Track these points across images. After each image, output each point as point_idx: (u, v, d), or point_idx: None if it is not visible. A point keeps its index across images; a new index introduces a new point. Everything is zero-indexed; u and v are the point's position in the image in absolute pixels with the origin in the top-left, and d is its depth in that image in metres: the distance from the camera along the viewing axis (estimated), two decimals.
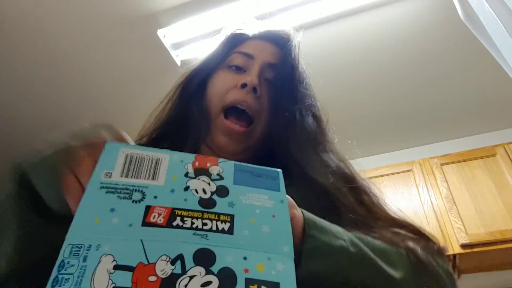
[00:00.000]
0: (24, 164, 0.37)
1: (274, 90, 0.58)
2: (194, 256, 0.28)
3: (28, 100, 2.08)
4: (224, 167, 0.35)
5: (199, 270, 0.27)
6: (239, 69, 0.58)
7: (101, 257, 0.27)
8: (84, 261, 0.27)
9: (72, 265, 0.27)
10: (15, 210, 0.36)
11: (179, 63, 1.87)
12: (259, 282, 0.28)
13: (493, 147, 2.09)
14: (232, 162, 0.35)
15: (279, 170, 0.36)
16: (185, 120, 0.59)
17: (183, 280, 0.26)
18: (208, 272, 0.27)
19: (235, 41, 0.63)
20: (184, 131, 0.59)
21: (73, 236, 0.28)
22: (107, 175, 0.31)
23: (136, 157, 0.33)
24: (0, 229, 0.37)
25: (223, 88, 0.57)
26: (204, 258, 0.28)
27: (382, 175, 2.22)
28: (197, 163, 0.34)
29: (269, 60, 0.59)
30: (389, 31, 1.80)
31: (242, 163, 0.36)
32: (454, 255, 1.80)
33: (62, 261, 0.27)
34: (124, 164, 0.32)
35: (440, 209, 1.96)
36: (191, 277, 0.27)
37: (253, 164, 0.37)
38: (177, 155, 0.34)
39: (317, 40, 1.83)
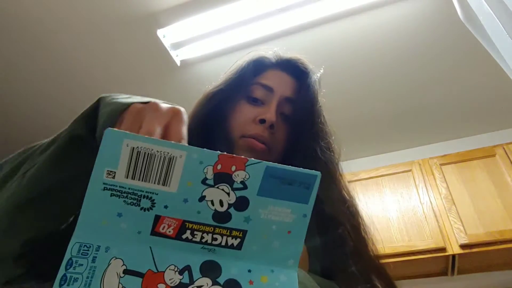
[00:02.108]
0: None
1: (290, 126, 0.61)
2: (201, 268, 0.29)
3: (28, 100, 2.08)
4: (251, 172, 0.30)
5: (206, 281, 0.28)
6: (258, 102, 0.61)
7: (110, 259, 0.27)
8: (93, 261, 0.27)
9: (81, 265, 0.26)
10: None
11: (178, 63, 1.87)
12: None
13: (493, 148, 2.09)
14: (264, 164, 0.30)
15: (318, 173, 0.31)
16: (206, 141, 0.60)
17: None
18: (215, 283, 0.28)
19: (256, 70, 0.64)
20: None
21: (81, 234, 0.27)
22: (109, 174, 0.27)
23: (145, 153, 0.27)
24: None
25: (243, 121, 0.59)
26: (211, 269, 0.29)
27: (382, 175, 2.22)
28: (219, 166, 0.29)
29: (287, 94, 0.62)
30: (390, 31, 1.80)
31: (276, 165, 0.30)
32: (454, 256, 1.80)
33: (70, 259, 0.26)
34: (130, 162, 0.27)
35: (439, 209, 1.96)
36: (199, 287, 0.28)
37: None
38: (197, 153, 0.28)
39: (317, 40, 1.84)
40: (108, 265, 0.27)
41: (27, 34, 1.71)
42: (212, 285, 0.28)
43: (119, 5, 1.62)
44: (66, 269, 0.26)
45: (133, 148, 0.27)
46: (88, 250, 0.27)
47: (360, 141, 2.53)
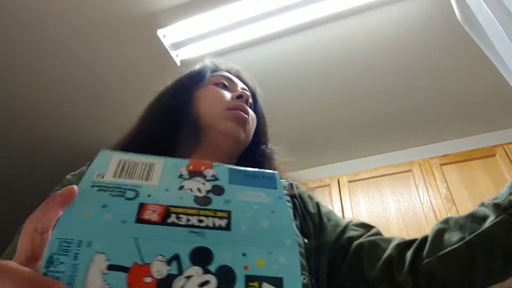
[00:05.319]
0: None
1: (254, 109, 0.69)
2: (191, 255, 0.27)
3: (27, 101, 2.08)
4: (218, 170, 0.34)
5: (196, 270, 0.26)
6: (226, 88, 0.67)
7: (93, 255, 0.26)
8: (75, 258, 0.25)
9: (62, 262, 0.25)
10: None
11: (178, 63, 1.87)
12: (260, 278, 0.27)
13: (493, 148, 2.09)
14: (227, 166, 0.35)
15: (275, 171, 0.36)
16: (168, 132, 0.62)
17: (180, 281, 0.25)
18: (206, 271, 0.26)
19: (213, 70, 0.72)
20: (167, 142, 0.61)
21: (61, 230, 0.26)
22: (99, 175, 0.30)
23: (130, 162, 0.33)
24: None
25: (221, 98, 0.64)
26: (201, 256, 0.27)
27: (382, 175, 2.23)
28: (191, 167, 0.34)
29: (245, 86, 0.71)
30: (390, 31, 1.80)
31: (237, 167, 0.35)
32: None
33: (51, 257, 0.25)
34: (117, 167, 0.32)
35: (439, 209, 1.96)
36: (188, 277, 0.26)
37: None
38: (171, 160, 0.34)
39: (317, 40, 1.84)
40: (92, 262, 0.25)
41: (26, 35, 1.71)
42: (204, 273, 0.26)
43: (119, 5, 1.62)
44: (46, 268, 0.24)
45: (121, 159, 0.33)
46: (69, 247, 0.26)
47: (360, 141, 2.54)
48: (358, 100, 2.21)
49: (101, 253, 0.26)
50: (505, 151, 2.04)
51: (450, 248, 0.48)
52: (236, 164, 0.63)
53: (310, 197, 0.65)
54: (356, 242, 0.56)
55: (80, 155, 2.49)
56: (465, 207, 1.92)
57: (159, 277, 0.25)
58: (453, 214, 1.91)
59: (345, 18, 1.74)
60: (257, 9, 1.63)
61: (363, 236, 0.57)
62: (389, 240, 0.55)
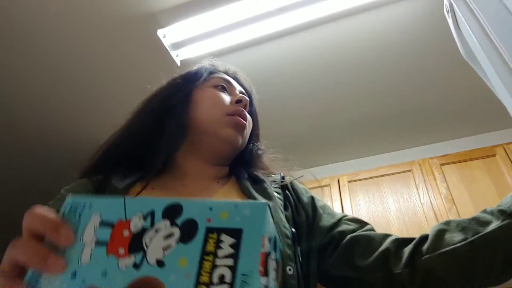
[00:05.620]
0: None
1: (249, 111, 0.69)
2: (164, 211, 0.30)
3: (27, 101, 2.08)
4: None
5: (164, 223, 0.29)
6: (225, 90, 0.67)
7: (91, 214, 0.31)
8: (79, 218, 0.31)
9: (71, 222, 0.31)
10: None
11: (178, 63, 1.87)
12: (219, 230, 0.27)
13: (493, 147, 2.09)
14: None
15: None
16: (153, 133, 0.62)
17: (150, 233, 0.29)
18: (173, 224, 0.29)
19: (210, 71, 0.71)
20: (157, 143, 0.61)
21: (73, 196, 0.32)
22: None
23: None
24: None
25: (221, 102, 0.64)
26: (172, 212, 0.29)
27: (382, 175, 2.23)
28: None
29: (242, 88, 0.71)
30: (390, 31, 1.80)
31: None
32: None
33: (63, 216, 0.31)
34: None
35: (439, 209, 1.96)
36: (157, 230, 0.29)
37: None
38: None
39: (318, 40, 1.84)
40: (89, 220, 0.30)
41: (24, 36, 1.71)
42: (170, 225, 0.29)
43: (119, 5, 1.62)
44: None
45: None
46: (77, 208, 0.31)
47: (360, 141, 2.54)
48: (358, 100, 2.21)
49: (97, 212, 0.31)
50: (505, 151, 2.04)
51: (452, 247, 0.48)
52: (229, 165, 0.66)
53: (305, 190, 0.66)
54: (350, 235, 0.56)
55: (80, 157, 2.49)
56: (465, 207, 1.92)
57: (134, 231, 0.29)
58: (453, 214, 1.91)
59: (345, 18, 1.74)
60: (257, 9, 1.63)
61: (358, 231, 0.57)
62: (384, 235, 0.56)
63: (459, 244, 0.48)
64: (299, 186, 0.66)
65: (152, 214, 0.29)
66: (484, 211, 0.51)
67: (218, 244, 0.27)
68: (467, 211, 1.90)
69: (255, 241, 0.26)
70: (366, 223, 0.60)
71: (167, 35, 1.74)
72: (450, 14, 0.71)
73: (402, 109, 2.29)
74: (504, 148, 2.06)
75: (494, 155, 2.06)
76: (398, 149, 2.61)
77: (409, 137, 2.53)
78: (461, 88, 2.14)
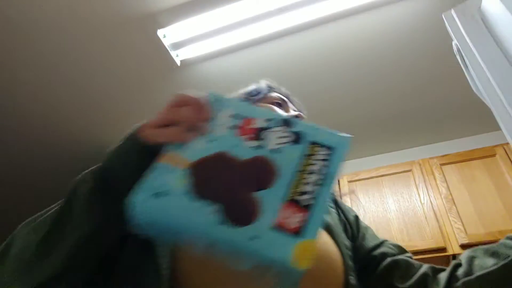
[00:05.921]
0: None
1: None
2: (283, 121, 0.41)
3: (27, 102, 2.08)
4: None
5: (282, 129, 0.40)
6: (280, 106, 0.74)
7: (227, 108, 0.41)
8: (217, 106, 0.41)
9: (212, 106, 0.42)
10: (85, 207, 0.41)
11: (178, 63, 1.87)
12: (319, 144, 0.39)
13: (493, 148, 2.09)
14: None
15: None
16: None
17: (270, 131, 0.39)
18: (287, 131, 0.40)
19: (268, 89, 0.79)
20: None
21: (214, 93, 0.43)
22: None
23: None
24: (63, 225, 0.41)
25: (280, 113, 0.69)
26: (287, 123, 0.40)
27: (382, 175, 2.23)
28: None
29: (294, 107, 0.79)
30: (390, 31, 1.80)
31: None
32: (454, 255, 1.80)
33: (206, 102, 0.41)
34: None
35: (439, 209, 1.96)
36: (275, 131, 0.40)
37: None
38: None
39: (318, 40, 1.84)
40: (225, 111, 0.41)
41: (25, 36, 1.71)
42: (285, 132, 0.40)
43: (119, 5, 1.62)
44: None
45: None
46: (216, 101, 0.42)
47: (360, 141, 2.53)
48: (358, 100, 2.21)
49: (232, 108, 0.41)
50: (505, 151, 2.04)
51: (487, 270, 0.51)
52: None
53: (351, 209, 0.71)
54: (391, 258, 0.60)
55: (81, 158, 2.49)
56: (465, 207, 1.92)
57: (258, 127, 0.40)
58: (453, 214, 1.91)
59: (345, 18, 1.74)
60: (257, 9, 1.63)
61: (398, 255, 0.61)
62: (421, 264, 0.60)
63: (494, 268, 0.51)
64: (345, 204, 0.71)
65: (274, 118, 0.40)
66: (509, 238, 0.55)
67: (316, 151, 0.39)
68: (467, 211, 1.90)
69: (341, 157, 0.39)
70: (406, 251, 0.64)
71: (167, 35, 1.74)
72: (458, 56, 0.82)
73: (402, 109, 2.29)
74: (504, 148, 2.06)
75: (494, 155, 2.06)
76: (398, 149, 2.61)
77: (409, 137, 2.53)
78: (461, 88, 2.13)
